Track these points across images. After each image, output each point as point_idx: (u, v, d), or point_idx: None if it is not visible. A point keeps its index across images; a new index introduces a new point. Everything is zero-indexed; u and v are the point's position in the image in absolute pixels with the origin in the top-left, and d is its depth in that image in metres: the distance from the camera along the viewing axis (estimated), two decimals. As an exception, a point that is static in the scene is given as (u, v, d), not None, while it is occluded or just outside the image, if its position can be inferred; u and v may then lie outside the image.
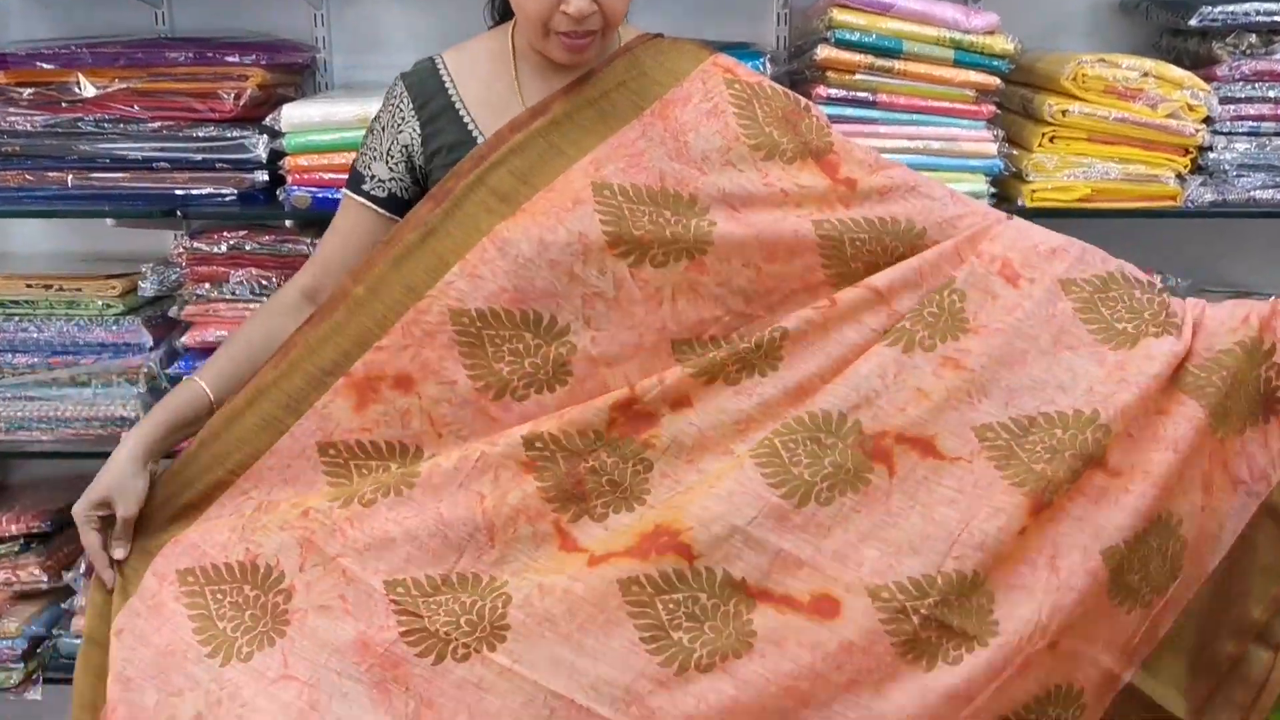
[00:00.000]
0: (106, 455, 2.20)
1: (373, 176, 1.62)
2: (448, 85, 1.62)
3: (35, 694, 2.24)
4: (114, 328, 2.21)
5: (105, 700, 1.47)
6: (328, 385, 1.49)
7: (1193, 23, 2.07)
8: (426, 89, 1.62)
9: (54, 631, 2.27)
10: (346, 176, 1.66)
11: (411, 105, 1.61)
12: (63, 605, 2.29)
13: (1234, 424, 1.51)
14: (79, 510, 1.52)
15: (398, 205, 1.62)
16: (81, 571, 2.21)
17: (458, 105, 1.61)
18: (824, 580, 1.43)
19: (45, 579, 2.28)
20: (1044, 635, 1.43)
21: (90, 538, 1.52)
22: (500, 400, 1.49)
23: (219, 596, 1.46)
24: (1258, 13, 2.06)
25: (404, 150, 1.60)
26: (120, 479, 1.51)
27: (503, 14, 1.69)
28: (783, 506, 1.43)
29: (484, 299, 1.48)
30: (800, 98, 1.62)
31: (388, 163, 1.62)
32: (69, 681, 2.20)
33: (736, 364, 1.50)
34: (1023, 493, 1.44)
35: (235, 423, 1.51)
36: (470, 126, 1.60)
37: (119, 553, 1.51)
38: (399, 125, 1.61)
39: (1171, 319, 1.53)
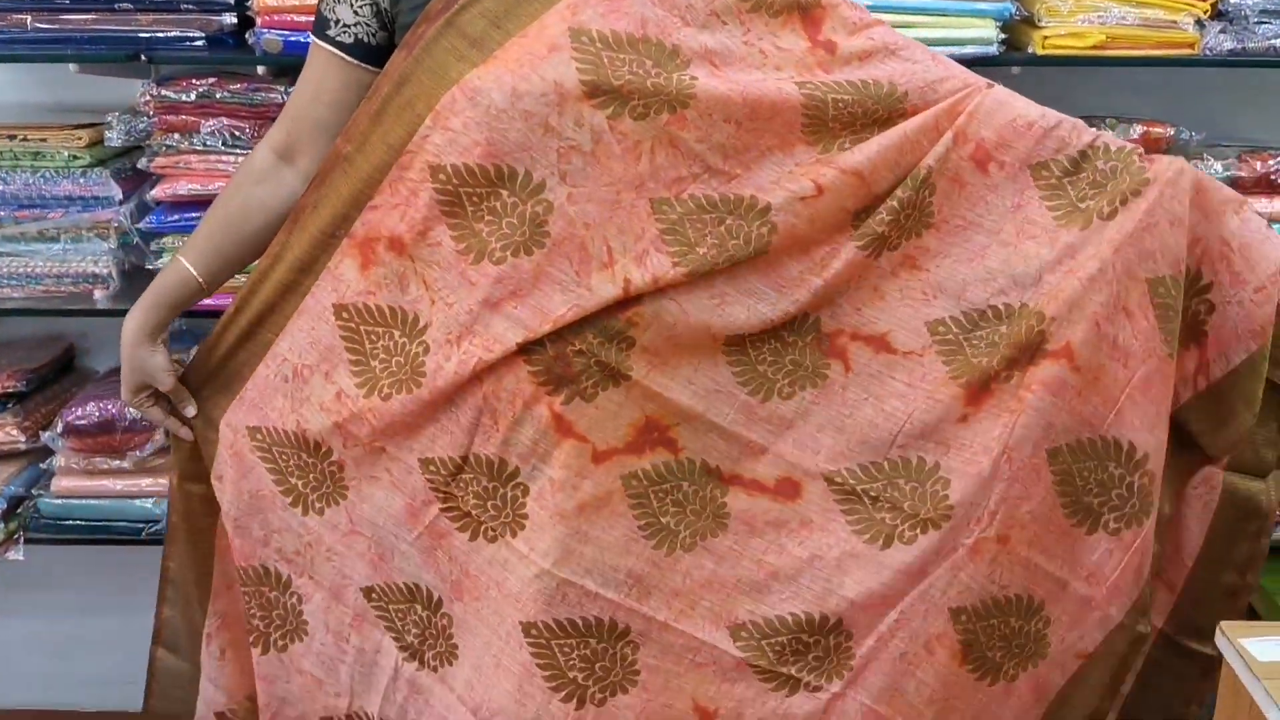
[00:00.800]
0: (80, 313, 2.20)
1: (337, 21, 1.52)
2: None
3: (17, 554, 2.21)
4: (81, 180, 2.13)
5: (215, 525, 1.66)
6: (334, 246, 1.52)
7: None
8: None
9: (34, 492, 2.24)
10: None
11: None
12: (41, 465, 2.25)
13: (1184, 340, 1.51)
14: (128, 403, 1.65)
15: (366, 52, 1.53)
16: (59, 431, 2.17)
17: None
18: (786, 466, 1.52)
19: (23, 439, 2.24)
20: (992, 521, 1.46)
21: (153, 413, 1.65)
22: (478, 265, 1.45)
23: (285, 457, 1.58)
24: None
25: None
26: (139, 364, 1.62)
27: None
28: (750, 403, 1.51)
29: (458, 154, 1.43)
30: None
31: (352, 6, 1.52)
32: (50, 542, 2.25)
33: (728, 261, 1.46)
34: (959, 384, 1.47)
35: (260, 286, 1.57)
36: None
37: (190, 410, 1.63)
38: None
39: (1137, 186, 1.45)
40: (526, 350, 1.46)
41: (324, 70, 1.54)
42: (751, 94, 1.45)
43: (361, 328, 1.52)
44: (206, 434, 1.64)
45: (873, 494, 1.50)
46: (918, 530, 1.48)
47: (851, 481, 1.51)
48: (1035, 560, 1.50)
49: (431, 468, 1.52)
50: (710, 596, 1.52)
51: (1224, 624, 1.57)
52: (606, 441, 1.49)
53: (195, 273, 1.59)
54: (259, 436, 1.59)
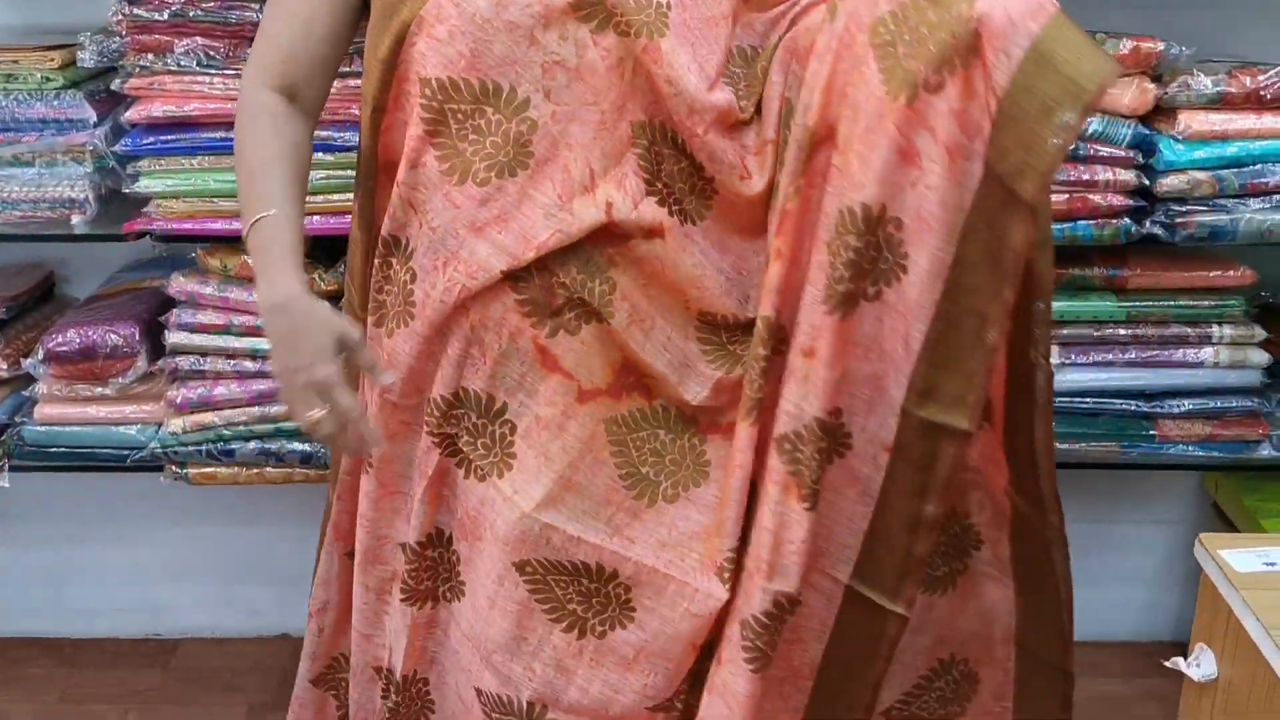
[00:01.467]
0: (58, 239, 2.18)
1: None
2: None
3: (3, 481, 2.21)
4: (55, 103, 2.08)
5: None
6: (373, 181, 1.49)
7: None
8: None
9: (17, 419, 2.23)
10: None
11: None
12: (24, 393, 2.24)
13: (928, 84, 1.26)
14: (320, 381, 1.36)
15: None
16: (40, 358, 2.15)
17: None
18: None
19: (4, 367, 2.23)
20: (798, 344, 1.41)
21: (345, 401, 1.38)
22: (462, 186, 1.42)
23: None
24: None
25: None
26: (324, 320, 1.37)
27: None
28: (720, 379, 1.50)
29: (443, 65, 1.38)
30: None
31: None
32: (36, 469, 2.25)
33: (696, 199, 1.45)
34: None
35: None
36: None
37: (389, 376, 1.49)
38: None
39: None
40: (513, 277, 1.44)
41: (311, 3, 1.45)
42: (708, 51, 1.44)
43: (377, 260, 1.50)
44: None
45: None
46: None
47: (755, 372, 1.44)
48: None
49: (426, 408, 1.50)
50: (700, 546, 1.50)
51: (1203, 535, 1.59)
52: (591, 381, 1.48)
53: (290, 211, 1.42)
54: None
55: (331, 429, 1.37)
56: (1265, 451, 2.25)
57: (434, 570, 1.58)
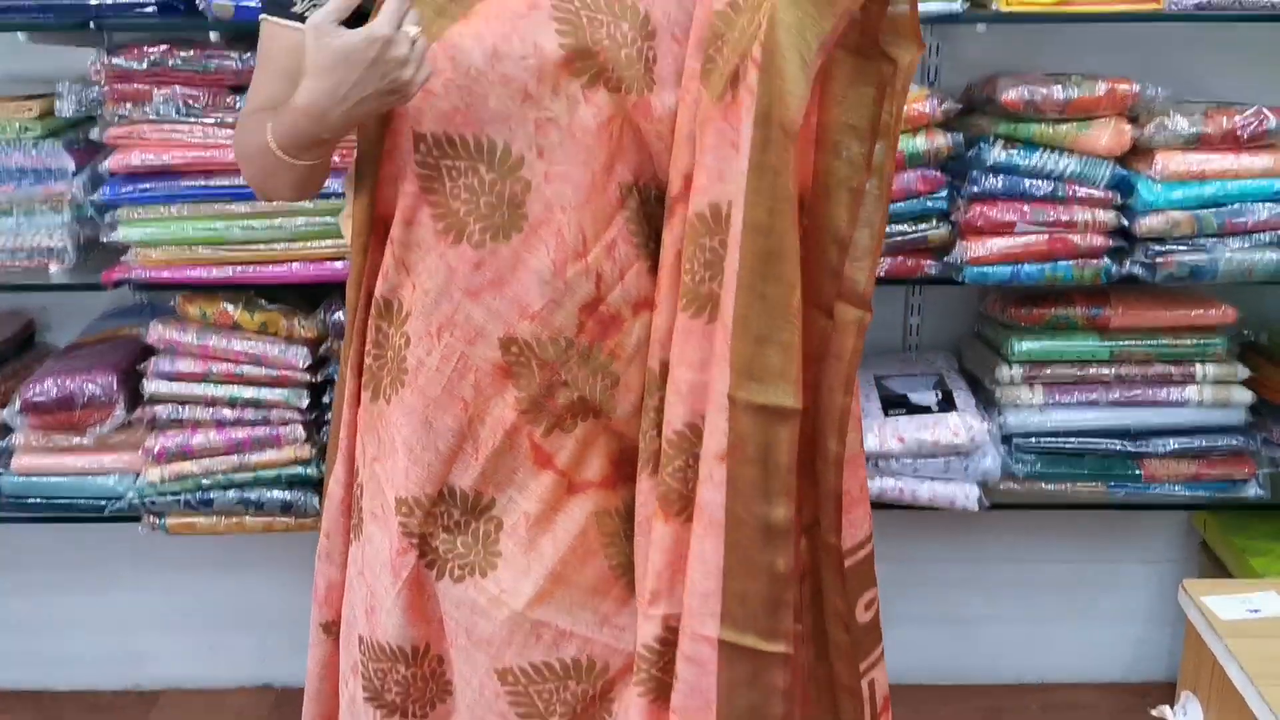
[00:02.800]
0: (37, 288, 2.17)
1: None
2: None
3: (-21, 533, 2.20)
4: (33, 152, 2.09)
5: None
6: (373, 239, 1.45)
7: None
8: None
9: (-5, 469, 2.21)
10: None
11: None
12: (2, 443, 2.22)
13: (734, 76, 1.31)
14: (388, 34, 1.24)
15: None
16: (18, 409, 2.14)
17: None
18: None
19: (-17, 416, 2.21)
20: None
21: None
22: (457, 247, 1.39)
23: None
24: None
25: None
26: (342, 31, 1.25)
27: None
28: None
29: (438, 120, 1.36)
30: None
31: None
32: (12, 520, 2.23)
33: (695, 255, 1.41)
34: None
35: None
36: None
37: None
38: None
39: None
40: (514, 374, 1.42)
41: (299, 56, 1.34)
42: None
43: (371, 323, 1.46)
44: None
45: None
46: None
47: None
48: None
49: (404, 509, 1.44)
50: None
51: (1187, 582, 1.57)
52: (582, 475, 1.46)
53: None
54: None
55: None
56: (1252, 490, 2.24)
57: (405, 688, 1.49)
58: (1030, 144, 2.06)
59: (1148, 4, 1.98)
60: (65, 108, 2.04)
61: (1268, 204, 2.06)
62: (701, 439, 1.35)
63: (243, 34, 2.06)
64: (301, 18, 1.40)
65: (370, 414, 1.47)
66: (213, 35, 2.02)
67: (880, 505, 2.22)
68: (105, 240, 2.08)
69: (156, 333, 2.13)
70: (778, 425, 1.30)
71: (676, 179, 1.38)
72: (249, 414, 2.14)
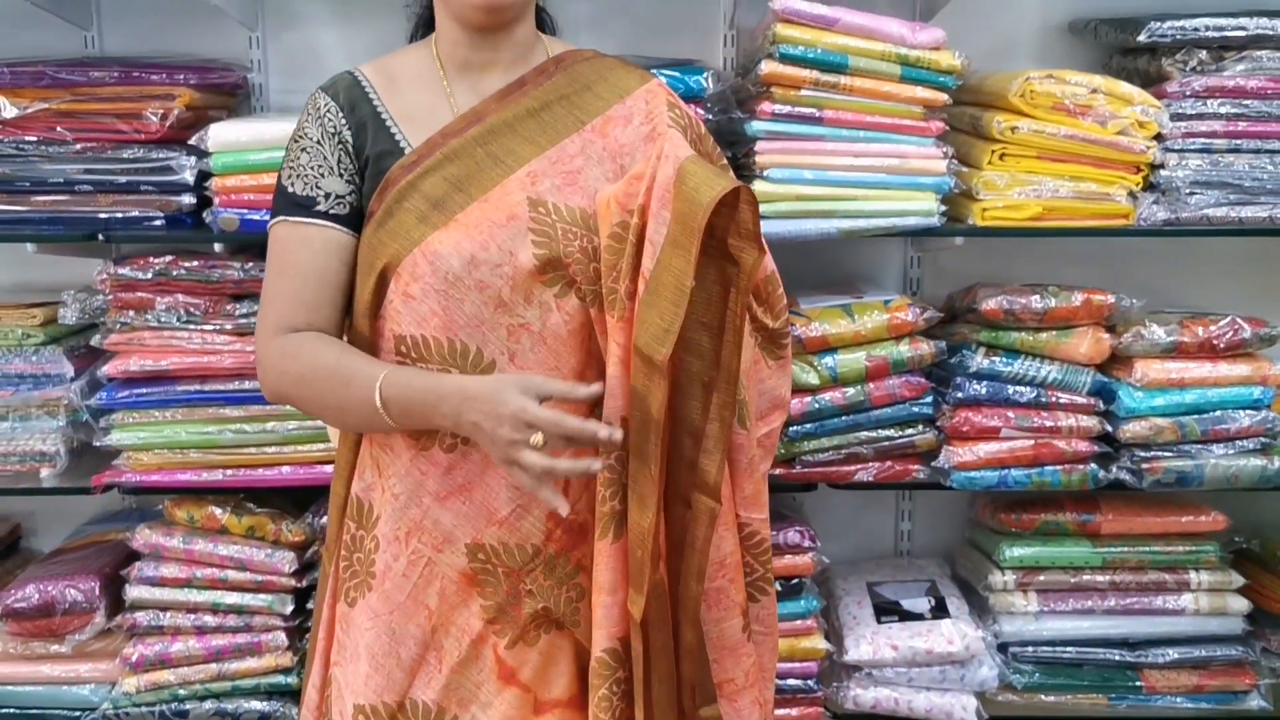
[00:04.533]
0: (25, 492, 2.17)
1: (328, 195, 1.49)
2: (371, 95, 1.53)
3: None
4: (34, 358, 2.13)
5: None
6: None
7: (1142, 38, 2.04)
8: (351, 97, 1.53)
9: (-33, 679, 2.16)
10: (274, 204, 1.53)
11: (341, 114, 1.52)
12: (-22, 650, 2.17)
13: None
14: (535, 421, 1.29)
15: (359, 219, 1.49)
16: (-4, 615, 2.10)
17: (383, 114, 1.53)
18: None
19: (-35, 622, 2.17)
20: None
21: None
22: (427, 452, 1.42)
23: None
24: (1207, 28, 2.04)
25: (351, 160, 1.51)
26: (504, 381, 1.33)
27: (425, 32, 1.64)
28: None
29: (417, 323, 1.40)
30: (719, 149, 1.58)
31: (342, 176, 1.49)
32: (-18, 732, 2.15)
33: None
34: None
35: None
36: (397, 136, 1.52)
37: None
38: (336, 135, 1.51)
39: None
40: (479, 581, 1.43)
41: (323, 250, 1.46)
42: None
43: (347, 521, 1.49)
44: None
45: None
46: None
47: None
48: None
49: (361, 717, 1.42)
50: None
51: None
52: (549, 692, 1.46)
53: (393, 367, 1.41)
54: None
55: (544, 460, 1.29)
56: (1255, 702, 2.19)
57: None
58: (1012, 351, 2.10)
59: (1118, 219, 2.06)
60: (69, 315, 2.09)
61: (1248, 411, 2.09)
62: (624, 663, 1.38)
63: (244, 245, 2.13)
64: (326, 215, 1.47)
65: (337, 616, 1.46)
66: (216, 246, 2.09)
67: (875, 717, 2.16)
68: (98, 444, 2.10)
69: (142, 537, 2.12)
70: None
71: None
72: (231, 620, 2.11)
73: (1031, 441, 2.08)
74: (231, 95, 2.27)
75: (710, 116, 2.02)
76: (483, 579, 1.43)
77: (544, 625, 1.45)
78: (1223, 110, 2.05)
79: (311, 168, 1.49)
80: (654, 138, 1.47)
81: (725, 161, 1.58)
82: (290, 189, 1.49)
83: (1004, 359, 2.10)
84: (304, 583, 2.12)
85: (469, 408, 1.32)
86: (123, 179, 2.05)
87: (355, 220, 1.49)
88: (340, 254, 1.48)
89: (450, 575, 1.43)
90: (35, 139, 2.04)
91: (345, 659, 1.45)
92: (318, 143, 1.50)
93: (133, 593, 2.11)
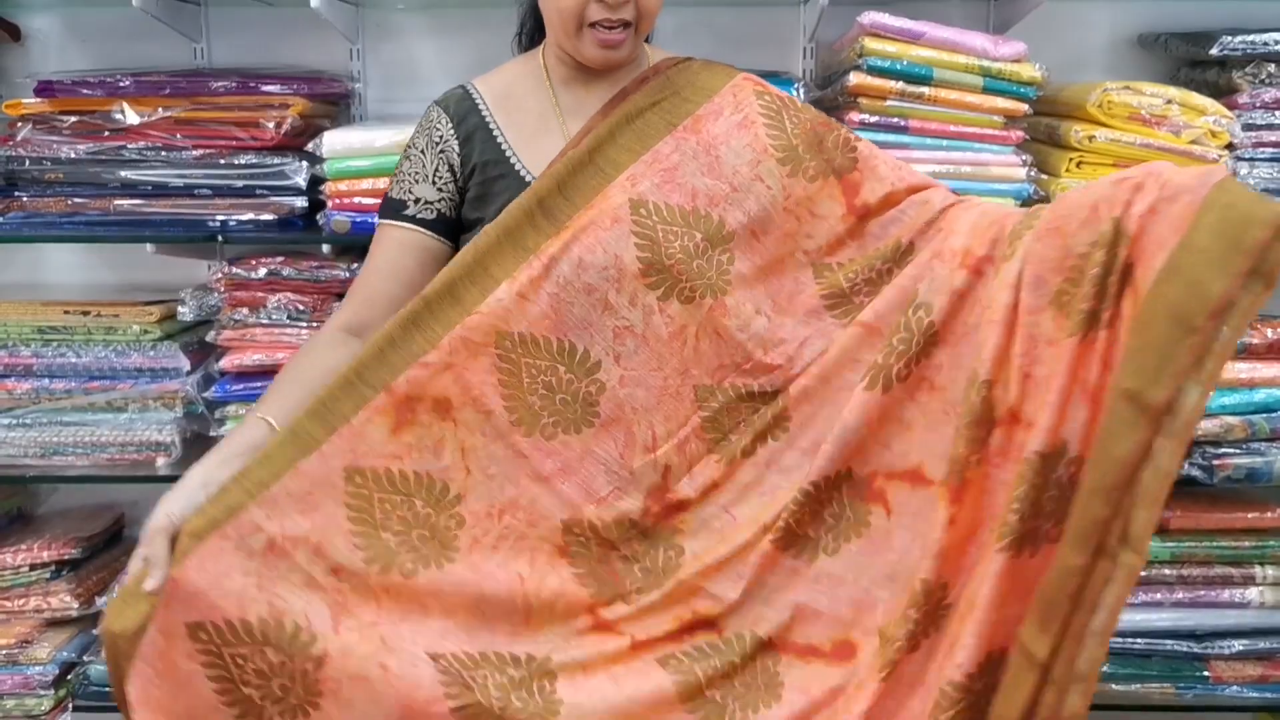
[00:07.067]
0: (140, 481, 2.27)
1: (417, 200, 1.63)
2: (481, 108, 1.65)
3: (65, 721, 2.23)
4: (151, 353, 2.23)
5: None
6: (367, 399, 1.41)
7: (1213, 52, 2.13)
8: (461, 110, 1.65)
9: (84, 658, 2.26)
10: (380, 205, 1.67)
11: (450, 125, 1.64)
12: (94, 631, 2.28)
13: (1108, 321, 1.30)
14: (163, 530, 1.35)
15: (446, 225, 1.63)
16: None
17: (492, 127, 1.64)
18: (843, 627, 1.47)
19: (76, 606, 2.28)
20: (967, 603, 1.35)
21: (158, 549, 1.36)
22: (530, 438, 1.47)
23: (240, 661, 1.33)
24: (1277, 42, 2.12)
25: (450, 169, 1.63)
26: (190, 502, 1.38)
27: (529, 46, 1.74)
28: (797, 566, 1.48)
29: (527, 323, 1.47)
30: (827, 116, 1.65)
31: (435, 183, 1.63)
32: (99, 709, 2.25)
33: (750, 436, 1.52)
34: (939, 484, 1.39)
35: (274, 449, 1.41)
36: (504, 147, 1.63)
37: (150, 582, 1.34)
38: (440, 145, 1.63)
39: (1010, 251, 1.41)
40: (571, 553, 1.46)
41: (400, 249, 1.62)
42: (773, 284, 1.54)
43: (376, 495, 1.40)
44: (132, 617, 1.34)
45: (903, 635, 1.38)
46: (921, 638, 1.39)
47: (899, 630, 1.39)
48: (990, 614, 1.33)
49: (442, 661, 1.37)
50: None
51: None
52: (648, 633, 1.46)
53: (270, 421, 1.46)
54: (202, 636, 1.32)
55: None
56: (1320, 692, 2.25)
57: None
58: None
59: (1190, 225, 2.13)
60: (187, 313, 2.20)
61: (1316, 410, 2.16)
62: (986, 680, 1.30)
63: (349, 247, 2.24)
64: (413, 219, 1.62)
65: (369, 583, 1.38)
66: (324, 248, 2.19)
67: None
68: (212, 434, 2.20)
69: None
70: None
71: (1002, 403, 1.35)
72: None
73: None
74: (335, 105, 2.38)
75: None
76: (575, 550, 1.47)
77: (644, 587, 1.47)
78: (1292, 121, 2.13)
79: (410, 174, 1.63)
80: (746, 125, 1.57)
81: (845, 133, 1.62)
82: (391, 193, 1.64)
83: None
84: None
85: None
86: (239, 184, 2.15)
87: (442, 226, 1.62)
88: (418, 255, 1.62)
89: (541, 548, 1.46)
90: (156, 146, 2.15)
91: (402, 619, 1.38)
92: (421, 152, 1.63)
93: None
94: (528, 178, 1.61)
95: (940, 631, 1.38)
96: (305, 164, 2.15)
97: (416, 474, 1.43)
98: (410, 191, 1.63)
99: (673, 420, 1.51)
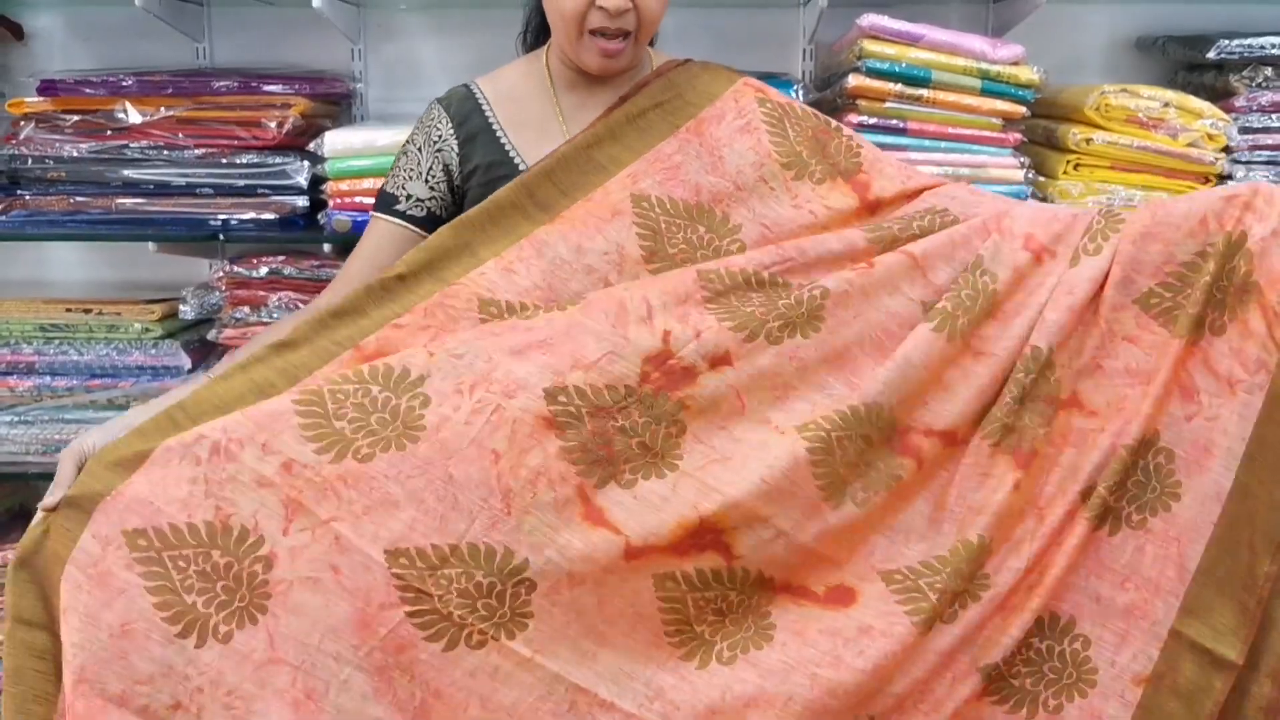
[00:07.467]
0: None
1: (408, 196, 1.65)
2: (484, 108, 1.66)
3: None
4: (153, 351, 2.24)
5: (57, 691, 1.30)
6: (334, 356, 1.41)
7: (1211, 55, 2.14)
8: (463, 110, 1.66)
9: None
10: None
11: (450, 125, 1.65)
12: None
13: (1213, 326, 1.44)
14: (73, 453, 1.38)
15: (435, 224, 1.63)
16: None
17: (494, 126, 1.65)
18: (839, 573, 1.43)
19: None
20: (1026, 582, 1.42)
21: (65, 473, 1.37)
22: (506, 319, 1.46)
23: (181, 564, 1.29)
24: (1274, 46, 2.13)
25: (445, 169, 1.64)
26: (108, 436, 1.39)
27: (534, 44, 1.75)
28: (823, 509, 1.40)
29: (515, 293, 1.47)
30: (830, 119, 1.66)
31: (428, 181, 1.65)
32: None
33: (779, 321, 1.44)
34: (1007, 453, 1.44)
35: (219, 384, 1.40)
36: (507, 147, 1.64)
37: (49, 498, 1.36)
38: (437, 145, 1.65)
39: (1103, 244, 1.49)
40: (559, 423, 1.35)
41: (384, 240, 1.65)
42: (804, 239, 1.52)
43: (327, 389, 1.34)
44: (62, 539, 1.32)
45: (939, 587, 1.39)
46: (956, 606, 1.39)
47: (914, 578, 1.40)
48: (1059, 579, 1.42)
49: (402, 560, 1.29)
50: (757, 714, 1.34)
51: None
52: (645, 537, 1.34)
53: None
54: (141, 543, 1.28)
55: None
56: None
57: None
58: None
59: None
60: (189, 311, 2.21)
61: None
62: (1075, 659, 1.41)
63: (350, 245, 2.24)
64: (402, 215, 1.66)
65: (322, 474, 1.32)
66: (325, 248, 2.20)
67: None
68: (213, 433, 2.21)
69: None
70: (1213, 672, 1.38)
71: (1046, 344, 1.43)
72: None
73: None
74: (337, 104, 2.39)
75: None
76: (563, 420, 1.35)
77: (642, 467, 1.37)
78: (1288, 124, 2.15)
79: (405, 170, 1.66)
80: (749, 130, 1.58)
81: (847, 132, 1.64)
82: (385, 186, 1.68)
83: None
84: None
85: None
86: (241, 183, 2.16)
87: (431, 224, 1.64)
88: (398, 245, 1.63)
89: (523, 419, 1.34)
90: (158, 145, 2.16)
91: (361, 511, 1.31)
92: (418, 149, 1.65)
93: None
94: None
95: (978, 604, 1.39)
96: (307, 163, 2.16)
97: (371, 367, 1.38)
98: (403, 187, 1.66)
99: (670, 295, 1.45)
